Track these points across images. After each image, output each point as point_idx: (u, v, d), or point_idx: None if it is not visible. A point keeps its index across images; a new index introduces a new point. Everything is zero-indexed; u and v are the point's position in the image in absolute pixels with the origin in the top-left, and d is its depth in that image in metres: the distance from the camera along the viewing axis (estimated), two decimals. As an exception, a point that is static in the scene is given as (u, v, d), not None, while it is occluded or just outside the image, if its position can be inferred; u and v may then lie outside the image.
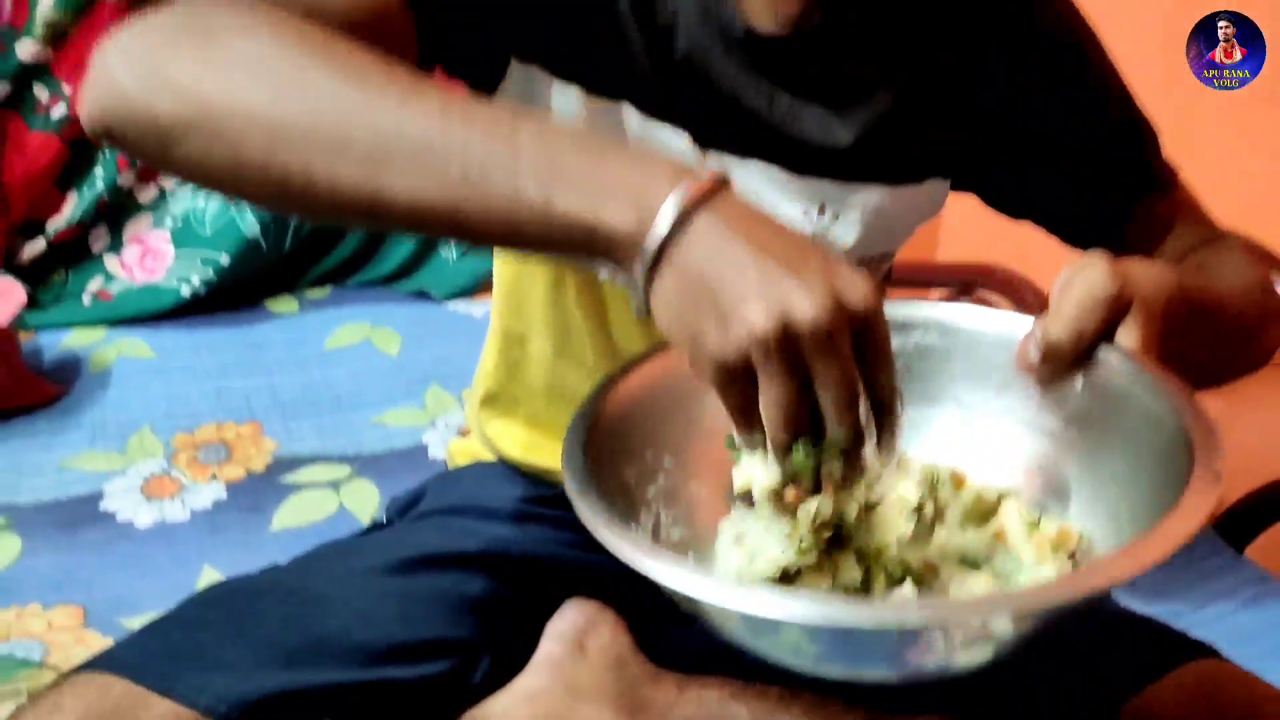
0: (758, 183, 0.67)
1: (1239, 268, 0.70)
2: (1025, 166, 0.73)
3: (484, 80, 0.64)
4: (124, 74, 0.49)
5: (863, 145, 0.67)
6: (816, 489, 0.46)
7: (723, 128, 0.66)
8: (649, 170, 0.45)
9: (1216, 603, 1.11)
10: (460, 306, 1.66)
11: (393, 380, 1.43)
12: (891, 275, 0.82)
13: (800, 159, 0.67)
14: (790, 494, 0.46)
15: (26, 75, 1.58)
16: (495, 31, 0.62)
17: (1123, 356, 0.49)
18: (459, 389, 1.38)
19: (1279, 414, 1.47)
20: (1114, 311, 0.50)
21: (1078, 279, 0.50)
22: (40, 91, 1.59)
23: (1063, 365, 0.51)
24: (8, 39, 1.56)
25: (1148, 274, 0.52)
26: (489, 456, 0.84)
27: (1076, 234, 0.75)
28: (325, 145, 0.46)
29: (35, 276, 1.61)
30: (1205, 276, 0.66)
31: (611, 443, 0.50)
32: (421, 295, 1.70)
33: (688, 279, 0.43)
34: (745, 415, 0.46)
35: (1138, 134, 0.74)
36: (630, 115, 0.65)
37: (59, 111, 1.59)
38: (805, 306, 0.42)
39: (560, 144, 0.46)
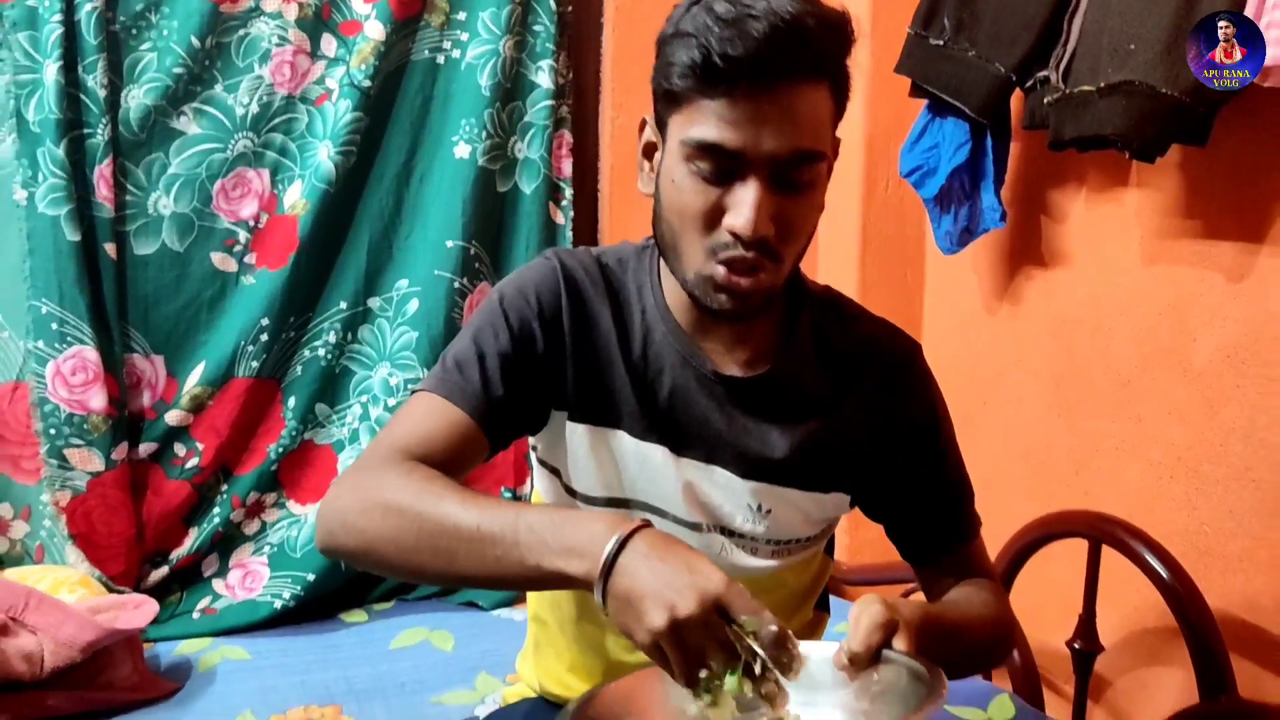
0: (716, 485, 0.98)
1: (986, 604, 1.00)
2: (886, 496, 1.04)
3: (531, 432, 1.01)
4: (334, 521, 0.85)
5: (792, 458, 0.98)
6: None
7: (693, 441, 0.98)
8: (594, 530, 0.72)
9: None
10: (504, 613, 1.98)
11: (448, 669, 1.71)
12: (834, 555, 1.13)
13: (747, 466, 0.98)
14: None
15: (170, 436, 1.98)
16: (539, 393, 0.97)
17: (897, 653, 0.78)
18: (504, 674, 1.66)
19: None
20: (888, 631, 0.78)
21: (864, 614, 0.78)
22: (179, 448, 1.98)
23: (862, 665, 0.77)
24: (159, 409, 1.99)
25: (909, 607, 0.81)
26: (531, 694, 1.13)
27: (909, 552, 1.07)
28: (429, 552, 0.79)
29: (155, 596, 1.89)
30: (960, 607, 0.97)
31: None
32: (471, 605, 2.01)
33: (619, 598, 0.70)
34: (676, 673, 0.70)
35: (961, 491, 1.06)
36: (623, 438, 0.99)
37: (191, 463, 1.98)
38: (683, 605, 0.67)
39: (541, 524, 0.75)
